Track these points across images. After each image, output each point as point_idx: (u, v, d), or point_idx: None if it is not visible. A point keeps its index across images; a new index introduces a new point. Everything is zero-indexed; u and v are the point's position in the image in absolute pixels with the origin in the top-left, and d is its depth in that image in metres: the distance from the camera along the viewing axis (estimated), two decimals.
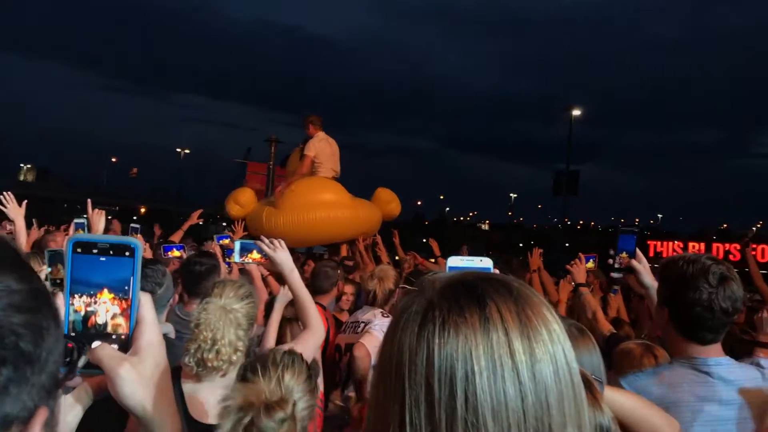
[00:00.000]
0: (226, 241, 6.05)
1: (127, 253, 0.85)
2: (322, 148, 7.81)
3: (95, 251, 0.84)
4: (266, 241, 2.91)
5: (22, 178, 71.28)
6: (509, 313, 0.75)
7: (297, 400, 1.79)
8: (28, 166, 76.49)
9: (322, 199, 7.32)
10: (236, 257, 3.31)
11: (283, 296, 3.15)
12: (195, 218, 7.51)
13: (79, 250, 0.84)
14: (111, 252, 0.85)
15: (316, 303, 4.19)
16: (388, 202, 8.33)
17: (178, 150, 73.70)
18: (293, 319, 3.49)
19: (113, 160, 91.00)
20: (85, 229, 4.09)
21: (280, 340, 3.41)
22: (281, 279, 3.08)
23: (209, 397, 2.33)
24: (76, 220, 4.22)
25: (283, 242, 2.93)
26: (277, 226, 7.14)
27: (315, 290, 4.37)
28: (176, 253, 5.44)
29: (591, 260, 4.32)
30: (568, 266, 4.03)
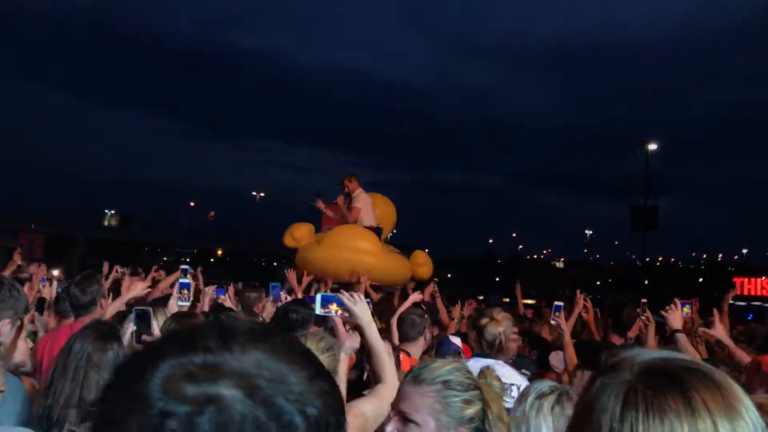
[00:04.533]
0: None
1: None
2: (366, 201, 8.93)
3: None
4: (346, 294, 2.91)
5: (106, 223, 74.56)
6: (714, 402, 0.77)
7: None
8: (113, 211, 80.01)
9: (356, 245, 8.35)
10: (317, 309, 3.34)
11: (349, 347, 3.11)
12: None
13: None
14: None
15: (402, 350, 4.18)
16: (421, 265, 9.30)
17: (254, 193, 75.77)
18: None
19: (191, 204, 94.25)
20: (190, 289, 4.21)
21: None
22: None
23: None
24: (181, 280, 4.34)
25: (362, 296, 2.93)
26: (314, 258, 8.26)
27: (402, 338, 4.37)
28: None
29: (687, 306, 4.08)
30: (663, 312, 3.95)
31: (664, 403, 0.77)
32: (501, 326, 3.63)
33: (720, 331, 3.92)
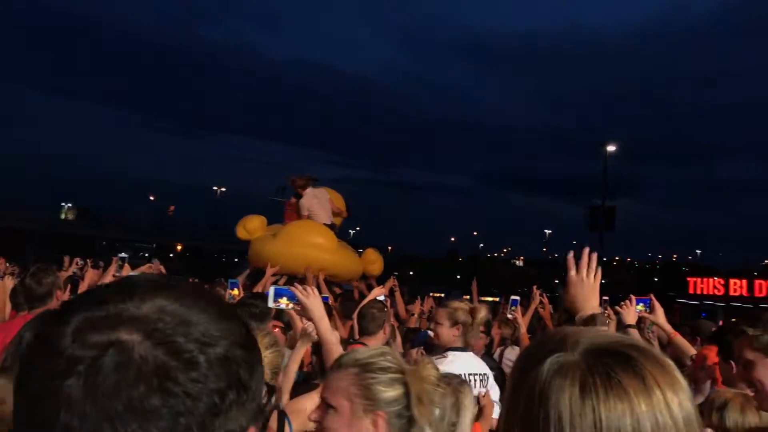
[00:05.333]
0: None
1: None
2: (311, 204, 8.93)
3: None
4: (299, 287, 2.89)
5: (63, 216, 72.89)
6: (661, 377, 0.82)
7: None
8: (69, 205, 78.25)
9: (311, 240, 8.41)
10: (269, 301, 3.32)
11: (306, 337, 3.12)
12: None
13: None
14: None
15: (361, 344, 4.15)
16: (372, 262, 9.56)
17: (215, 188, 74.86)
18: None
19: (151, 198, 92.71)
20: None
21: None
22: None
23: None
24: (131, 274, 4.29)
25: (315, 290, 2.91)
26: (268, 251, 8.26)
27: (361, 331, 4.37)
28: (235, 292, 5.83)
29: (642, 304, 4.06)
30: (617, 308, 4.00)
31: (622, 382, 0.80)
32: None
33: (659, 315, 4.00)
